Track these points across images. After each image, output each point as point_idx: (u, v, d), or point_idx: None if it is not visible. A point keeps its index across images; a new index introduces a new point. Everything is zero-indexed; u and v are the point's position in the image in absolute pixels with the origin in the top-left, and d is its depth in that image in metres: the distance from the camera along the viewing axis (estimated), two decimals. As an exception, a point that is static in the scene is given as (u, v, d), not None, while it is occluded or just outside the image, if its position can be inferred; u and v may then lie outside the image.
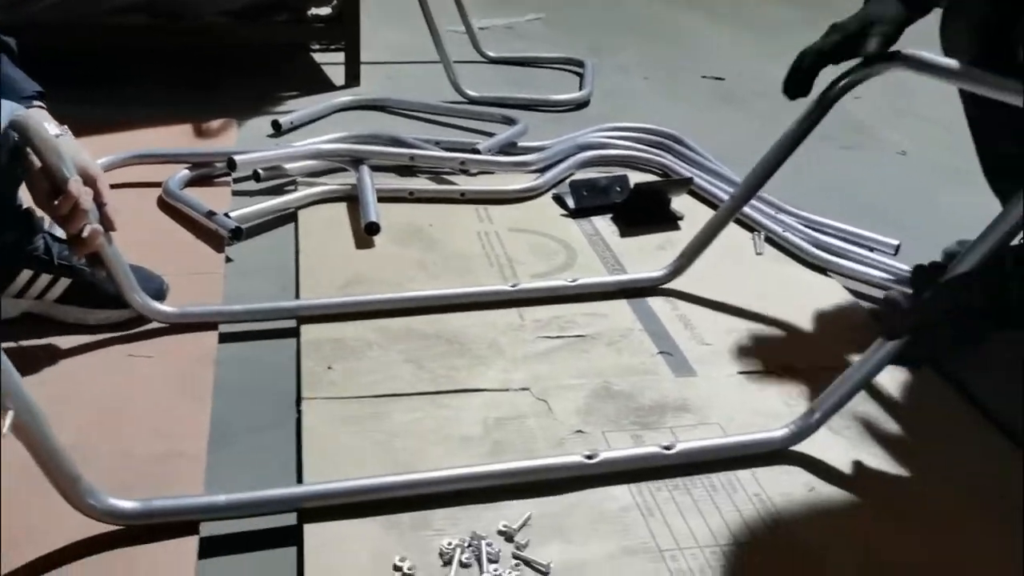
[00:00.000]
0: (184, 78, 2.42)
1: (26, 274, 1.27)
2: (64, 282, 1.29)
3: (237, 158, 1.71)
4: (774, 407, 1.27)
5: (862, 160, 2.26)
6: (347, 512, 1.02)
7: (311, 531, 1.00)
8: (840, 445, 1.19)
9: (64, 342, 1.28)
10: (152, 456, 1.08)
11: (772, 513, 1.07)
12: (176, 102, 2.21)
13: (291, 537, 1.00)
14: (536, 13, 3.48)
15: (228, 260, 1.55)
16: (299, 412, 1.19)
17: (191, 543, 0.97)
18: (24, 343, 1.26)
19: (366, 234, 1.63)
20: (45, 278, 1.28)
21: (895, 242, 1.71)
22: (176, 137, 2.01)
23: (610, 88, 2.62)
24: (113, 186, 1.70)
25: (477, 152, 1.96)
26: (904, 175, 2.19)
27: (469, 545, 0.98)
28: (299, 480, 1.09)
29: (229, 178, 1.82)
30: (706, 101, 2.63)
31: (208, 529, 1.00)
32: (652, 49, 3.11)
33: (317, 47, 2.66)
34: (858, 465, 1.16)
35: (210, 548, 0.98)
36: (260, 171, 1.77)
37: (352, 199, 1.77)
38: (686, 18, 3.59)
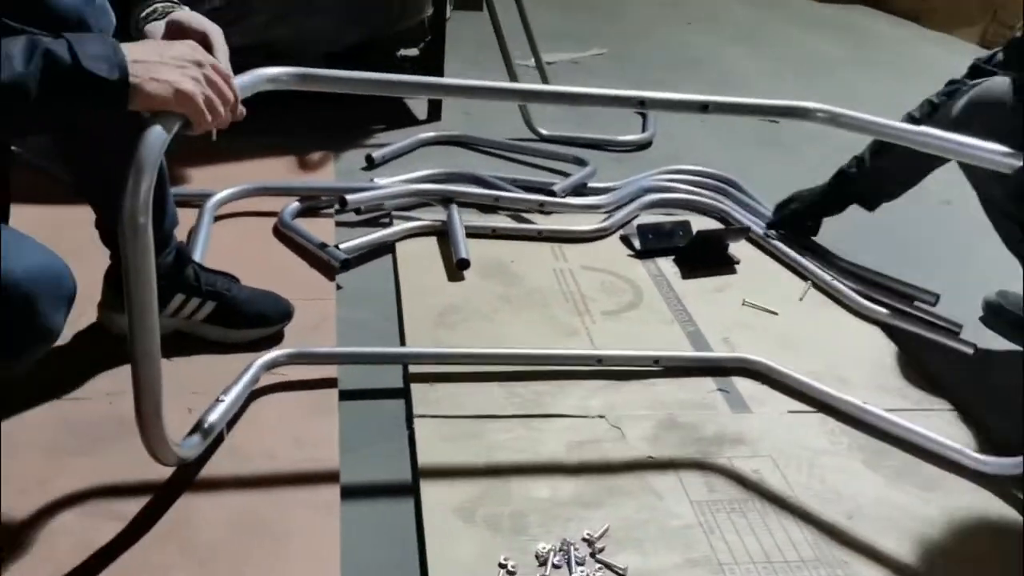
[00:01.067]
0: (295, 113, 2.60)
1: (179, 298, 1.48)
2: (210, 305, 1.51)
3: (348, 197, 1.93)
4: (818, 442, 1.45)
5: (908, 207, 2.41)
6: (459, 514, 1.23)
7: (431, 526, 1.21)
8: (877, 482, 1.38)
9: (206, 359, 1.49)
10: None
11: (813, 535, 1.26)
12: (287, 132, 2.42)
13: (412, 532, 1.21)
14: (599, 48, 3.68)
15: (338, 287, 1.76)
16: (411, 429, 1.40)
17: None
18: (174, 358, 1.48)
19: (457, 269, 1.83)
20: (195, 301, 1.49)
21: (936, 292, 1.87)
22: (281, 167, 2.24)
23: (669, 128, 2.80)
24: (236, 215, 1.96)
25: (553, 193, 2.16)
26: (947, 225, 2.35)
27: (560, 549, 1.18)
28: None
29: (332, 209, 2.04)
30: (760, 144, 2.80)
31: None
32: (708, 89, 3.27)
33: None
34: (891, 501, 1.34)
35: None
36: (361, 206, 1.98)
37: (441, 234, 1.98)
38: (733, 54, 3.76)
